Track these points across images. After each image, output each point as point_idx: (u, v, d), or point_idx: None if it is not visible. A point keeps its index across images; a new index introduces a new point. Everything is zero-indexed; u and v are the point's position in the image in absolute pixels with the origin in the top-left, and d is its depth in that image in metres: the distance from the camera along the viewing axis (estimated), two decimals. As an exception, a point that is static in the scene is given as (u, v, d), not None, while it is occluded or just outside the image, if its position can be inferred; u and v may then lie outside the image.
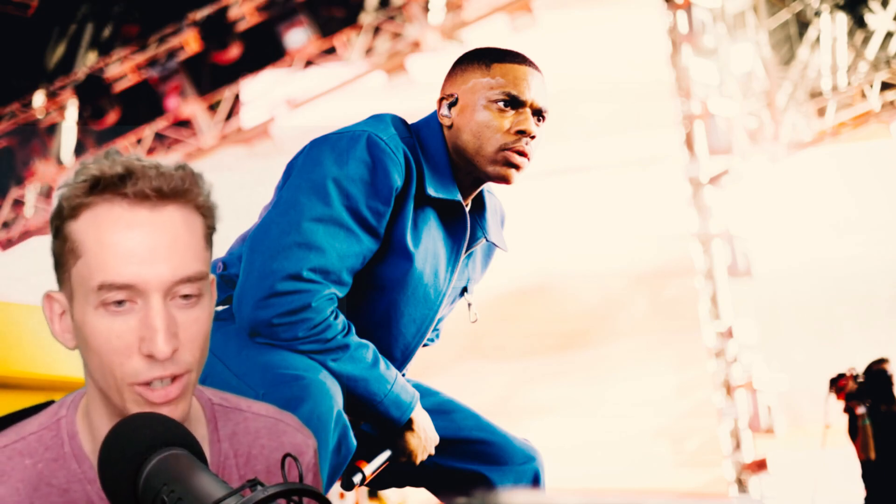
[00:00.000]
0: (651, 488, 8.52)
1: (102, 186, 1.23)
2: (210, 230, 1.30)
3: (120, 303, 1.23)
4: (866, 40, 9.11)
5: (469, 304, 2.24)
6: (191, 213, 1.26)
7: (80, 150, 10.82)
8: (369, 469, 2.04)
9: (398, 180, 1.98)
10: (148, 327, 1.22)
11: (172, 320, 1.24)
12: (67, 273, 1.26)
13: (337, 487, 2.04)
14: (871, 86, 8.96)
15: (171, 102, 10.43)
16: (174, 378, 1.25)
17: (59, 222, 1.26)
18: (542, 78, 2.10)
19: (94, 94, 10.28)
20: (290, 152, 2.07)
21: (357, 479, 2.02)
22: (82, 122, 10.58)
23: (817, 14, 9.23)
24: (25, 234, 11.05)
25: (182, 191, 1.25)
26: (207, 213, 1.29)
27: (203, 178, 1.29)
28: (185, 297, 1.25)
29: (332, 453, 1.85)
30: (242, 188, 9.40)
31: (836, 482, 6.93)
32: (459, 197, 2.08)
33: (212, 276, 1.34)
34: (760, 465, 8.55)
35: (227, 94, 10.49)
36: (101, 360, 1.25)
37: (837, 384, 6.56)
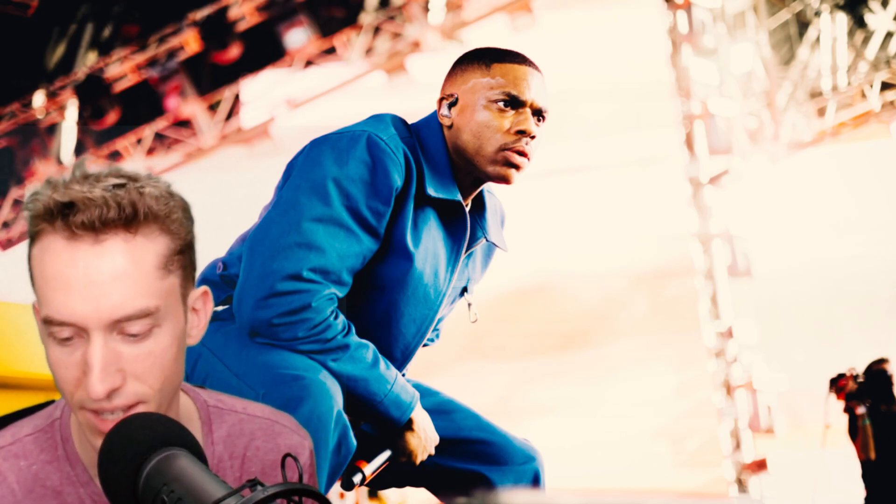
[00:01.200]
0: (651, 488, 8.52)
1: (49, 216, 1.19)
2: (176, 253, 1.23)
3: (67, 338, 1.20)
4: (866, 40, 9.11)
5: (469, 304, 2.24)
6: (142, 242, 1.20)
7: (80, 150, 10.81)
8: (369, 469, 2.04)
9: (398, 180, 1.98)
10: (85, 365, 1.19)
11: (113, 357, 1.19)
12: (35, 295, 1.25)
13: (337, 487, 2.04)
14: (871, 86, 8.96)
15: (171, 102, 10.43)
16: (127, 409, 1.22)
17: (29, 242, 1.24)
18: (542, 78, 2.10)
19: (94, 94, 10.28)
20: (290, 152, 2.07)
21: (357, 479, 2.02)
22: (82, 122, 10.58)
23: (817, 14, 9.23)
24: (25, 235, 11.04)
25: (126, 220, 1.18)
26: (172, 235, 1.22)
27: (166, 196, 1.22)
28: (132, 333, 1.20)
29: (332, 453, 1.85)
30: (242, 188, 9.40)
31: (836, 482, 6.93)
32: (459, 197, 2.08)
33: (203, 289, 1.31)
34: (760, 465, 8.55)
35: (227, 94, 10.48)
36: (57, 382, 1.24)
37: (837, 384, 6.56)
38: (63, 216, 1.18)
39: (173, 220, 1.23)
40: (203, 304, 1.32)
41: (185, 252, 1.25)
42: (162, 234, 1.21)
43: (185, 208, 1.27)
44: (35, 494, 1.30)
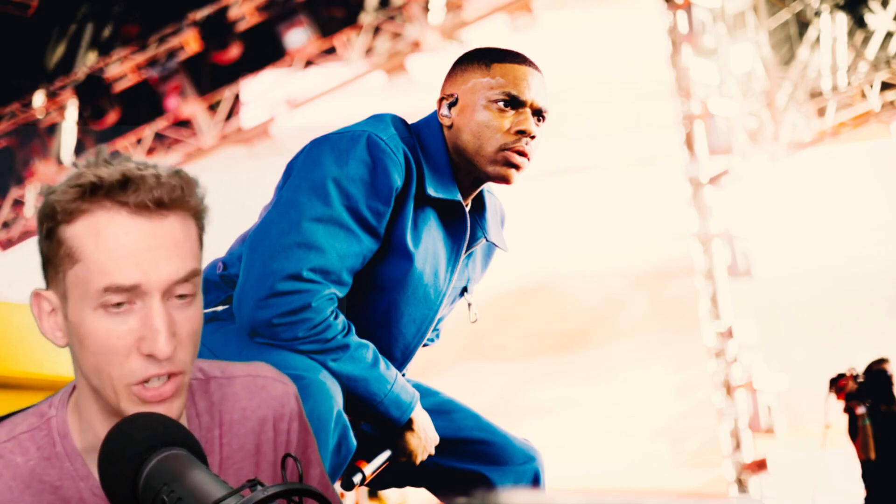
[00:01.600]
0: (651, 488, 8.53)
1: (101, 193, 1.24)
2: (202, 231, 1.33)
3: (119, 304, 1.24)
4: (866, 40, 9.11)
5: (469, 304, 2.24)
6: (187, 219, 1.29)
7: (80, 150, 10.81)
8: (369, 469, 2.04)
9: (398, 180, 1.98)
10: (149, 328, 1.24)
11: (171, 320, 1.26)
12: (61, 275, 1.26)
13: (337, 487, 2.04)
14: (871, 86, 8.96)
15: (171, 102, 10.43)
16: (170, 376, 1.26)
17: (52, 224, 1.26)
18: (542, 78, 2.10)
19: (94, 94, 10.28)
20: (290, 152, 2.07)
21: (357, 479, 2.02)
22: (82, 122, 10.58)
23: (817, 14, 9.23)
24: (25, 234, 11.06)
25: (180, 200, 1.27)
26: (200, 216, 1.31)
27: (197, 182, 1.31)
28: (181, 296, 1.27)
29: (332, 453, 1.85)
30: (242, 188, 9.40)
31: (836, 482, 6.94)
32: (459, 197, 2.08)
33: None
34: (760, 465, 8.55)
35: (227, 94, 10.49)
36: (98, 361, 1.26)
37: (837, 384, 6.57)
38: (120, 193, 1.24)
39: (203, 206, 1.33)
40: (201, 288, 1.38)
41: (202, 233, 1.34)
42: (199, 215, 1.32)
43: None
44: (33, 490, 1.31)
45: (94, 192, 1.24)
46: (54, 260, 1.27)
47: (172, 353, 1.25)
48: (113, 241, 1.24)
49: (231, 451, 1.39)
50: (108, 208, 1.24)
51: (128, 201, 1.24)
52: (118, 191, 1.24)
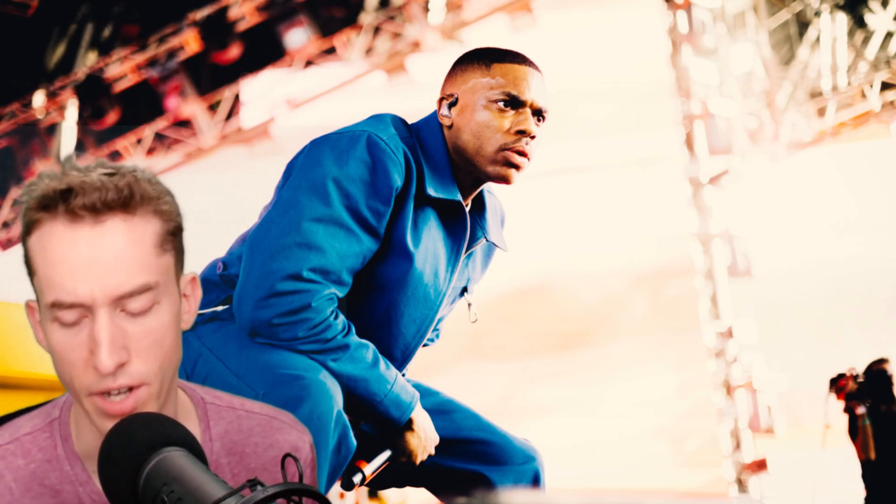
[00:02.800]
0: (651, 488, 8.52)
1: (47, 204, 1.23)
2: (169, 234, 1.28)
3: (72, 319, 1.23)
4: (866, 40, 9.11)
5: (469, 304, 2.24)
6: (139, 222, 1.24)
7: (80, 149, 10.81)
8: (369, 469, 2.04)
9: (398, 180, 1.98)
10: (92, 341, 1.22)
11: (119, 333, 1.23)
12: (33, 285, 1.27)
13: (337, 487, 2.04)
14: (871, 86, 8.96)
15: (171, 102, 10.43)
16: (131, 389, 1.24)
17: (22, 234, 1.27)
18: (542, 78, 2.10)
19: (94, 94, 10.28)
20: (290, 152, 2.07)
21: (357, 479, 2.02)
22: (82, 122, 10.58)
23: (817, 14, 9.23)
24: (25, 234, 11.04)
25: (124, 201, 1.23)
26: (165, 217, 1.27)
27: (155, 181, 1.28)
28: (135, 310, 1.24)
29: (332, 453, 1.85)
30: (242, 188, 9.40)
31: (836, 482, 6.93)
32: (459, 197, 2.08)
33: (192, 275, 1.34)
34: (760, 465, 8.55)
35: (227, 94, 10.48)
36: (62, 372, 1.26)
37: (837, 384, 6.56)
38: (64, 201, 1.22)
39: (165, 201, 1.28)
40: (192, 290, 1.35)
41: (176, 235, 1.30)
42: (156, 216, 1.26)
43: (172, 195, 1.32)
44: (32, 493, 1.30)
45: (42, 203, 1.23)
46: (27, 270, 1.28)
47: (118, 367, 1.22)
48: (54, 254, 1.23)
49: (237, 482, 1.38)
50: (52, 219, 1.23)
51: (68, 209, 1.22)
52: (59, 200, 1.22)
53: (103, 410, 1.24)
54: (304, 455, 1.42)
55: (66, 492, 1.32)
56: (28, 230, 1.25)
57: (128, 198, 1.23)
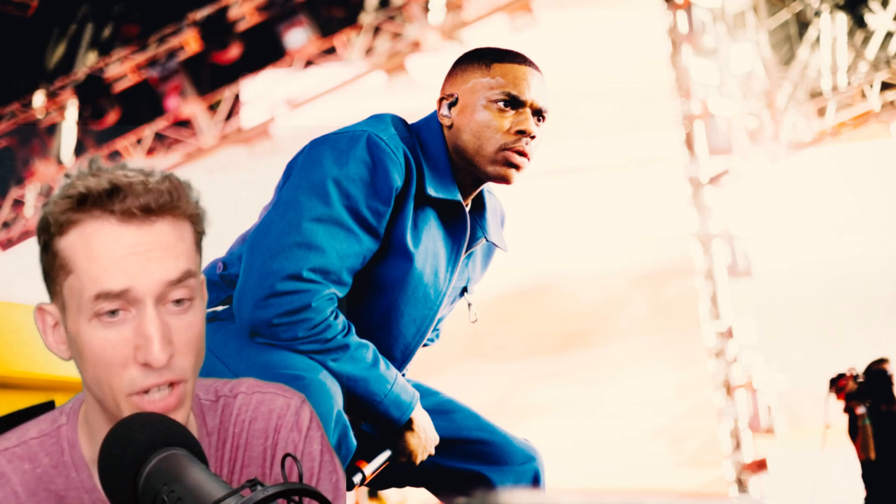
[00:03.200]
0: (651, 488, 8.52)
1: (90, 203, 1.24)
2: (199, 235, 1.31)
3: (113, 312, 1.23)
4: (866, 40, 9.11)
5: (469, 304, 2.24)
6: (179, 223, 1.27)
7: (80, 150, 10.81)
8: (369, 469, 2.04)
9: (398, 180, 1.98)
10: (143, 335, 1.23)
11: (167, 327, 1.24)
12: (59, 286, 1.26)
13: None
14: (871, 86, 8.96)
15: (171, 102, 10.43)
16: (172, 385, 1.25)
17: (47, 237, 1.26)
18: (542, 78, 2.10)
19: (94, 94, 10.28)
20: (290, 152, 2.07)
21: (357, 479, 2.02)
22: (82, 122, 10.58)
23: (817, 14, 9.23)
24: (25, 234, 11.05)
25: (169, 206, 1.26)
26: (196, 220, 1.30)
27: (190, 186, 1.30)
28: (178, 301, 1.26)
29: (333, 453, 1.85)
30: (242, 188, 9.41)
31: (836, 482, 6.93)
32: (459, 197, 2.08)
33: (202, 277, 1.34)
34: (760, 465, 8.55)
35: (227, 94, 10.48)
36: (97, 372, 1.25)
37: (837, 384, 6.56)
38: (108, 202, 1.24)
39: (200, 207, 1.31)
40: (202, 294, 1.35)
41: (201, 239, 1.33)
42: (194, 219, 1.30)
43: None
44: (38, 498, 1.30)
45: (83, 203, 1.24)
46: (51, 273, 1.27)
47: (168, 360, 1.23)
48: (102, 249, 1.23)
49: (240, 467, 1.38)
50: (97, 217, 1.24)
51: (115, 209, 1.23)
52: (106, 200, 1.23)
53: (143, 409, 1.24)
54: (288, 420, 1.40)
55: (71, 498, 1.32)
56: (60, 230, 1.25)
57: (175, 201, 1.27)
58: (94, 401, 1.30)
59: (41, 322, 1.30)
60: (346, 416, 1.89)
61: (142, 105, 10.52)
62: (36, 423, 1.36)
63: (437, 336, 2.30)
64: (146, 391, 1.24)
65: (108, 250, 1.23)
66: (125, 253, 1.23)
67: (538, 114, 2.07)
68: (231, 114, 10.55)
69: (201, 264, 1.33)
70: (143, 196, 1.24)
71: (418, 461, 2.08)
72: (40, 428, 1.35)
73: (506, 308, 8.82)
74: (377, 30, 10.14)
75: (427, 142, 2.08)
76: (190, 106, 10.44)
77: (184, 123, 10.61)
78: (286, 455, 1.21)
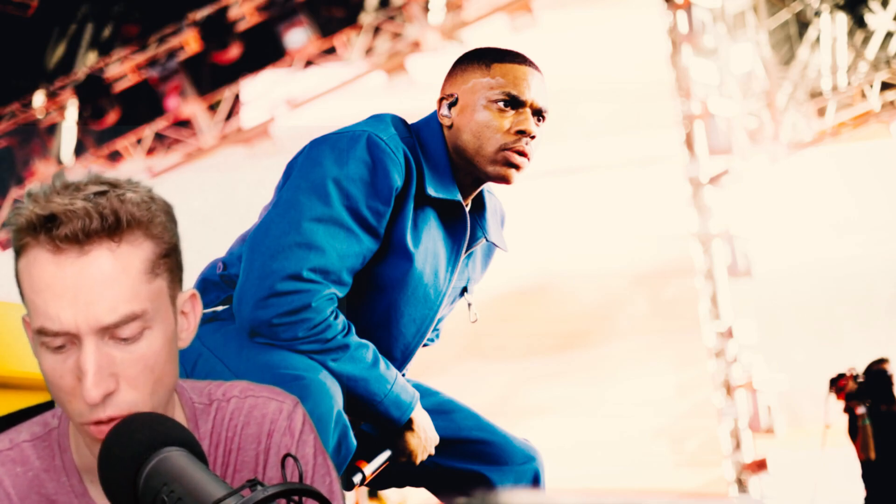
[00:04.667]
0: (651, 488, 8.52)
1: (32, 230, 1.20)
2: (161, 257, 1.24)
3: (59, 345, 1.20)
4: (866, 40, 9.11)
5: (469, 304, 2.24)
6: (126, 249, 1.20)
7: (80, 150, 10.81)
8: (369, 469, 2.04)
9: (398, 180, 1.98)
10: (79, 370, 1.20)
11: (106, 361, 1.20)
12: (25, 306, 1.25)
13: (337, 487, 2.04)
14: (871, 86, 8.96)
15: (171, 102, 10.43)
16: (112, 420, 1.22)
17: (14, 257, 1.24)
18: (542, 78, 2.10)
19: (94, 94, 10.28)
20: (290, 152, 2.07)
21: (357, 479, 2.02)
22: (82, 122, 10.58)
23: (817, 14, 9.23)
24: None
25: (109, 229, 1.19)
26: (156, 240, 1.23)
27: (147, 201, 1.23)
28: (124, 336, 1.21)
29: (332, 453, 1.85)
30: (242, 188, 9.41)
31: (836, 482, 6.93)
32: (459, 197, 2.08)
33: (191, 291, 1.31)
34: (760, 465, 8.55)
35: (227, 94, 10.48)
36: (54, 395, 1.24)
37: (837, 384, 6.56)
38: (46, 229, 1.18)
39: (156, 224, 1.24)
40: (192, 307, 1.32)
41: (170, 255, 1.26)
42: (146, 240, 1.22)
43: (168, 211, 1.27)
44: (30, 501, 1.30)
45: (29, 228, 1.20)
46: (19, 290, 1.25)
47: (104, 397, 1.19)
48: (39, 281, 1.19)
49: (233, 472, 1.37)
50: (37, 245, 1.19)
51: (53, 237, 1.18)
52: (42, 228, 1.18)
53: (96, 439, 1.22)
54: (282, 424, 1.38)
55: (61, 502, 1.31)
56: (17, 253, 1.22)
57: (113, 225, 1.19)
58: None
59: (28, 332, 1.28)
60: (346, 416, 1.88)
61: (142, 105, 10.52)
62: (28, 425, 1.36)
63: (437, 336, 2.30)
64: (92, 423, 1.22)
65: (46, 284, 1.19)
66: (62, 289, 1.18)
67: (538, 114, 2.07)
68: (231, 114, 10.55)
69: (169, 286, 1.25)
70: (77, 222, 1.17)
71: (418, 461, 2.08)
72: (32, 431, 1.34)
73: (506, 308, 8.82)
74: (377, 30, 10.14)
75: (427, 142, 2.08)
76: (190, 106, 10.44)
77: (184, 123, 10.61)
78: (286, 455, 1.20)
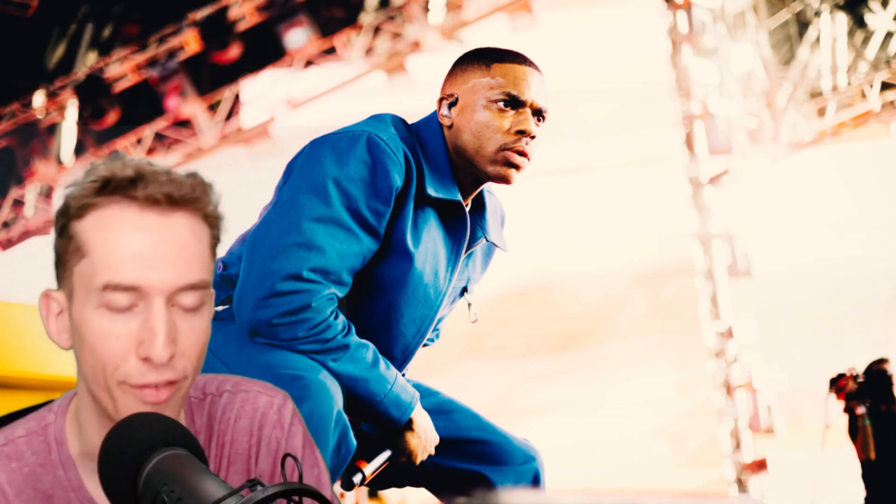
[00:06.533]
0: (651, 488, 8.53)
1: (112, 188, 1.23)
2: (215, 240, 1.30)
3: (122, 305, 1.22)
4: (866, 40, 9.12)
5: (469, 304, 2.24)
6: (199, 222, 1.26)
7: (80, 150, 10.82)
8: (369, 469, 2.04)
9: (398, 180, 1.98)
10: (148, 330, 1.22)
11: (173, 326, 1.23)
12: (69, 271, 1.25)
13: (337, 487, 2.04)
14: (871, 86, 8.97)
15: (171, 102, 10.44)
16: (169, 383, 1.24)
17: (65, 220, 1.25)
18: (542, 78, 2.10)
19: (94, 94, 10.29)
20: (290, 152, 2.07)
21: (357, 479, 2.02)
22: (82, 122, 10.58)
23: (817, 14, 9.23)
24: (25, 234, 11.06)
25: (192, 199, 1.25)
26: (214, 224, 1.29)
27: (212, 188, 1.29)
28: (187, 306, 1.25)
29: (332, 453, 1.85)
30: (242, 188, 9.41)
31: (836, 482, 6.94)
32: (459, 197, 2.08)
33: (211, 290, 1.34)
34: (760, 465, 8.55)
35: (227, 94, 10.49)
36: (95, 360, 1.24)
37: (837, 384, 6.57)
38: (132, 187, 1.23)
39: (219, 212, 1.30)
40: (211, 301, 1.34)
41: (217, 244, 1.31)
42: (212, 221, 1.29)
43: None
44: (25, 496, 1.30)
45: (105, 187, 1.23)
46: (64, 256, 1.26)
47: (170, 359, 1.22)
48: (119, 236, 1.22)
49: (226, 465, 1.38)
50: (118, 202, 1.23)
51: (137, 196, 1.23)
52: (129, 186, 1.23)
53: (138, 397, 1.23)
54: (272, 418, 1.40)
55: (57, 497, 1.31)
56: (79, 213, 1.24)
57: (196, 197, 1.26)
58: (88, 395, 1.29)
59: (45, 309, 1.29)
60: (346, 416, 1.88)
61: (142, 105, 10.53)
62: (24, 421, 1.36)
63: (437, 336, 2.30)
64: (142, 386, 1.23)
65: (127, 239, 1.22)
66: (142, 246, 1.22)
67: (538, 114, 2.07)
68: (231, 114, 10.55)
69: (213, 270, 1.31)
70: (165, 185, 1.23)
71: (418, 461, 2.08)
72: (28, 426, 1.34)
73: (506, 308, 8.83)
74: (377, 30, 10.14)
75: (427, 142, 2.08)
76: (190, 106, 10.44)
77: (184, 123, 10.61)
78: (286, 455, 1.21)
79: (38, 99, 10.68)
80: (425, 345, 2.22)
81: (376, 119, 2.07)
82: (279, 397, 1.43)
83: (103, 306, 1.23)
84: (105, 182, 1.23)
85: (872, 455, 6.31)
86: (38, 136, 10.85)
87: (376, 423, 2.03)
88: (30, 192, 11.12)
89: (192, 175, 1.27)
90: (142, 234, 1.22)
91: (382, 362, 1.98)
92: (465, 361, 8.52)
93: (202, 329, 1.27)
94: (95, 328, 1.23)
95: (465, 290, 2.22)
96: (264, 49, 10.10)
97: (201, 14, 10.06)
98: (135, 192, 1.23)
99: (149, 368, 1.23)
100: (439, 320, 2.21)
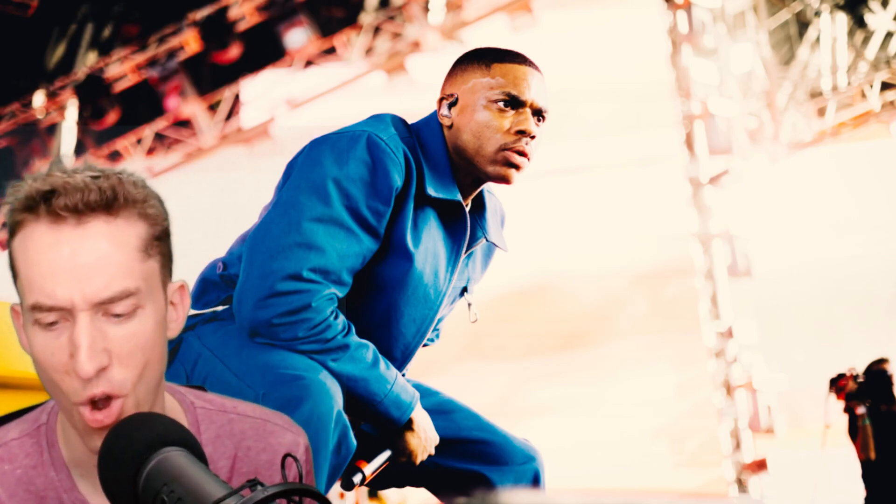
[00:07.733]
0: (651, 488, 8.52)
1: (30, 205, 1.21)
2: (154, 239, 1.25)
3: (52, 321, 1.21)
4: (866, 40, 9.12)
5: (469, 304, 2.24)
6: (122, 225, 1.22)
7: (80, 150, 10.81)
8: (369, 469, 2.03)
9: (398, 180, 1.98)
10: (72, 345, 1.20)
11: (100, 336, 1.20)
12: (17, 289, 1.25)
13: (337, 487, 2.04)
14: (871, 86, 8.97)
15: (171, 102, 10.43)
16: (109, 399, 1.22)
17: (8, 238, 1.25)
18: (542, 78, 2.10)
19: (94, 94, 10.28)
20: (290, 152, 2.07)
21: (357, 479, 2.02)
22: (82, 122, 10.58)
23: (817, 14, 9.23)
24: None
25: (107, 203, 1.21)
26: (150, 221, 1.25)
27: (141, 184, 1.25)
28: (118, 312, 1.21)
29: (332, 453, 1.85)
30: (242, 188, 9.41)
31: (836, 482, 6.93)
32: (459, 197, 2.08)
33: (180, 283, 1.32)
34: (760, 465, 8.55)
35: (227, 94, 10.49)
36: (45, 377, 1.24)
37: (837, 384, 6.57)
38: (46, 202, 1.20)
39: (151, 205, 1.26)
40: (180, 299, 1.33)
41: (163, 239, 1.27)
42: (141, 219, 1.24)
43: (160, 199, 1.29)
44: (18, 498, 1.30)
45: (27, 204, 1.21)
46: (12, 274, 1.25)
47: (98, 371, 1.20)
48: (36, 255, 1.20)
49: (233, 486, 1.38)
50: (35, 220, 1.21)
51: (51, 210, 1.20)
52: (42, 201, 1.20)
53: (87, 426, 1.22)
54: (299, 458, 1.40)
55: (50, 498, 1.31)
56: (12, 232, 1.23)
57: (111, 199, 1.21)
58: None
59: (16, 322, 1.28)
60: (346, 416, 1.88)
61: (142, 105, 10.53)
62: (18, 423, 1.36)
63: (437, 336, 2.30)
64: (93, 402, 1.21)
65: (42, 257, 1.19)
66: (58, 263, 1.19)
67: (538, 114, 2.07)
68: (231, 114, 10.55)
69: (161, 270, 1.27)
70: (73, 195, 1.19)
71: (418, 461, 2.08)
72: (21, 428, 1.34)
73: (506, 308, 8.82)
74: (377, 30, 10.14)
75: (427, 142, 2.08)
76: (190, 106, 10.44)
77: (184, 123, 10.61)
78: (286, 455, 1.21)
79: (38, 99, 10.68)
80: (425, 345, 2.22)
81: (376, 119, 2.07)
82: (303, 437, 1.43)
83: (36, 324, 1.22)
84: (25, 199, 1.22)
85: (872, 455, 6.31)
86: (38, 136, 10.84)
87: (376, 423, 2.03)
88: (30, 192, 11.11)
89: (113, 175, 1.22)
90: (54, 251, 1.20)
91: (382, 362, 1.98)
92: (465, 361, 8.52)
93: (141, 334, 1.23)
94: (35, 345, 1.23)
95: (465, 290, 2.22)
96: (264, 49, 10.10)
97: (201, 14, 10.06)
98: (48, 206, 1.20)
99: (86, 383, 1.21)
100: (439, 320, 2.21)
